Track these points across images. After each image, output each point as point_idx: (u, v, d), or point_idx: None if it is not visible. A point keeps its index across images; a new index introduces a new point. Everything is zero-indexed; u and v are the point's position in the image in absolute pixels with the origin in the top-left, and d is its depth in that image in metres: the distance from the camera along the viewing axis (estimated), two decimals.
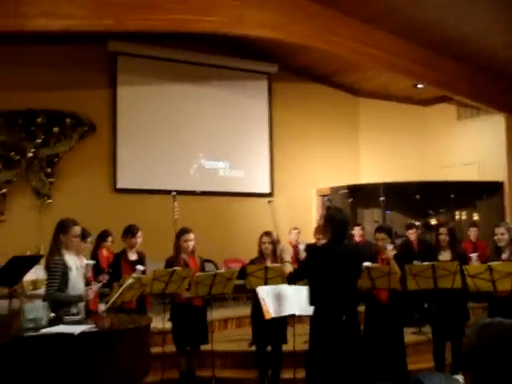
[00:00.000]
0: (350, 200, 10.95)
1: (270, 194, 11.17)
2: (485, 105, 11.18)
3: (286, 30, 8.93)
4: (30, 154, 9.15)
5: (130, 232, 6.09)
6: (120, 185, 10.08)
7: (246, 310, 7.12)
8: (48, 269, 4.54)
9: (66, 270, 4.48)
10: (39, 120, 9.16)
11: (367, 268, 5.30)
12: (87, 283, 4.86)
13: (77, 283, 4.57)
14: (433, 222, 10.66)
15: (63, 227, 4.61)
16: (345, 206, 10.06)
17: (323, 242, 5.04)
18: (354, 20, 9.36)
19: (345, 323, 4.31)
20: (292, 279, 4.58)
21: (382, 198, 10.63)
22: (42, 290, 5.56)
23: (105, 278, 5.95)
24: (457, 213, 11.31)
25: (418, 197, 10.60)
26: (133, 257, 6.05)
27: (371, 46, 9.59)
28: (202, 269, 6.04)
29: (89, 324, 4.13)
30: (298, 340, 5.61)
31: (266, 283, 5.54)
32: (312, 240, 7.65)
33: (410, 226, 8.76)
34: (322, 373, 4.36)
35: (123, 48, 10.08)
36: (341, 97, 12.48)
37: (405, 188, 10.81)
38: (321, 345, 4.36)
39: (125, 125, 10.18)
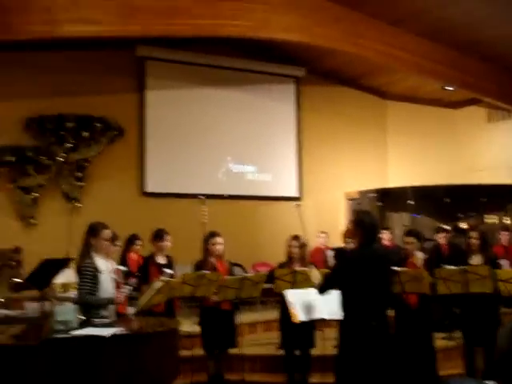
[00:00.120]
0: (378, 204, 10.88)
1: (298, 198, 11.14)
2: None
3: (311, 33, 8.93)
4: (60, 159, 9.26)
5: (158, 236, 6.13)
6: (148, 189, 10.15)
7: (274, 314, 7.10)
8: (79, 272, 4.58)
9: (96, 273, 4.52)
10: (69, 125, 9.26)
11: (397, 272, 5.25)
12: (117, 286, 4.89)
13: (107, 286, 4.61)
14: (463, 225, 10.51)
15: (94, 230, 4.65)
16: (373, 210, 10.00)
17: (352, 245, 5.01)
18: (381, 22, 9.32)
19: (375, 328, 4.27)
20: (322, 290, 4.53)
21: (410, 202, 10.53)
22: (72, 293, 5.61)
23: (133, 281, 5.98)
24: (487, 216, 11.15)
25: (447, 200, 10.48)
26: (161, 260, 6.07)
27: (398, 48, 9.54)
28: (231, 272, 6.05)
29: (118, 327, 4.15)
30: (326, 344, 5.58)
31: (294, 287, 5.53)
32: (340, 244, 7.62)
33: (439, 230, 8.65)
34: (352, 378, 4.32)
35: (151, 53, 10.18)
36: (368, 100, 12.42)
37: (434, 191, 10.71)
38: (350, 350, 4.32)
39: (153, 129, 10.27)
